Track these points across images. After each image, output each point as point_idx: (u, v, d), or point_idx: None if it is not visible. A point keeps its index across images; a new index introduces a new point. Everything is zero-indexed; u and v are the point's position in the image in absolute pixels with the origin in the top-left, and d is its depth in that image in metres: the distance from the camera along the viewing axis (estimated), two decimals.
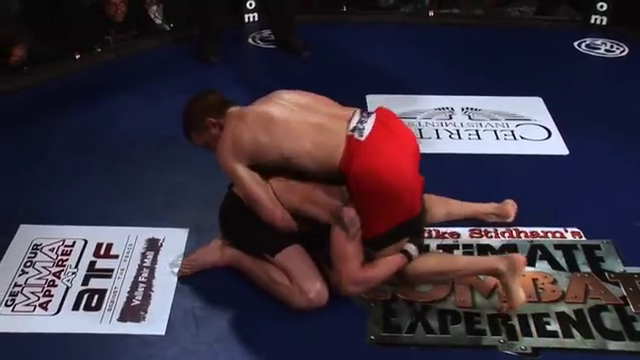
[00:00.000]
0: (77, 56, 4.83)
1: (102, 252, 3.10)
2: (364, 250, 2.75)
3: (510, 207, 3.24)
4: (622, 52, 5.05)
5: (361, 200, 2.67)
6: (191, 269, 2.97)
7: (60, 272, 2.98)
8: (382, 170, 2.61)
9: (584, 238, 3.17)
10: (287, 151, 2.71)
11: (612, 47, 5.10)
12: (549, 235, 3.19)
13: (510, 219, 3.24)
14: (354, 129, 2.66)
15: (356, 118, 2.71)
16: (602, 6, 5.29)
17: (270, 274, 2.82)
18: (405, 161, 2.70)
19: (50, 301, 2.83)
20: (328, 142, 2.67)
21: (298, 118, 2.75)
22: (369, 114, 2.74)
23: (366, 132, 2.65)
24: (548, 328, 2.71)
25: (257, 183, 2.80)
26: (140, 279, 2.96)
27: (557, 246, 3.12)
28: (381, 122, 2.71)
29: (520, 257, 2.79)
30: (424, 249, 2.90)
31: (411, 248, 2.76)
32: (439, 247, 3.12)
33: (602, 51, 5.07)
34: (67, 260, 3.05)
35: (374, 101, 4.10)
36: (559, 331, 2.70)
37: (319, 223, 2.79)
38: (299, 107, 2.79)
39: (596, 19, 5.34)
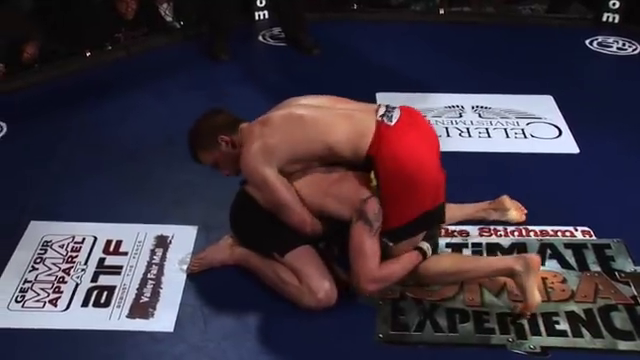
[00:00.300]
0: (88, 53, 4.84)
1: (111, 249, 3.11)
2: (381, 246, 2.74)
3: (505, 199, 3.22)
4: (634, 50, 5.03)
5: (387, 186, 2.68)
6: (199, 267, 2.97)
7: (70, 269, 2.99)
8: (411, 154, 2.66)
9: (594, 237, 3.15)
10: (330, 139, 2.71)
11: (624, 45, 5.08)
12: (559, 234, 3.17)
13: (511, 212, 3.21)
14: (383, 115, 2.72)
15: (383, 108, 2.77)
16: (614, 4, 5.27)
17: (279, 273, 2.82)
18: (430, 151, 2.76)
19: (59, 297, 2.84)
20: (359, 128, 2.71)
21: (325, 112, 2.79)
22: (394, 107, 2.79)
23: (394, 119, 2.71)
24: (557, 327, 2.70)
25: (287, 188, 2.77)
26: (149, 276, 2.97)
27: (567, 245, 3.10)
28: (407, 113, 2.77)
29: (535, 257, 2.79)
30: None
31: (425, 246, 2.77)
32: (448, 245, 3.11)
33: (614, 49, 5.05)
34: (77, 257, 3.06)
35: (384, 99, 4.05)
36: (568, 330, 2.69)
37: (335, 224, 2.79)
38: (319, 105, 2.84)
39: (608, 17, 5.32)
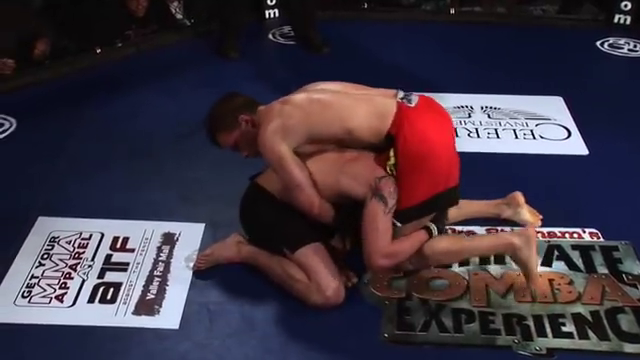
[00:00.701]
0: (98, 50, 4.86)
1: (118, 245, 3.12)
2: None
3: (518, 195, 3.23)
4: None
5: (404, 164, 2.71)
6: (206, 264, 2.98)
7: (76, 265, 3.00)
8: (431, 134, 2.72)
9: (602, 239, 3.14)
10: (350, 123, 2.74)
11: (635, 47, 5.05)
12: (566, 235, 3.16)
13: (524, 211, 3.21)
14: (403, 98, 2.76)
15: (402, 92, 2.81)
16: (626, 5, 5.25)
17: (287, 270, 2.82)
18: (448, 133, 2.82)
19: (66, 293, 2.85)
20: (379, 109, 2.75)
21: (344, 96, 2.82)
22: (411, 92, 2.83)
23: (414, 102, 2.76)
24: (563, 329, 2.69)
25: (301, 168, 2.78)
26: (155, 273, 2.97)
27: (574, 247, 3.09)
28: (424, 99, 2.82)
29: (531, 229, 2.89)
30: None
31: (432, 225, 2.80)
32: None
33: (625, 50, 5.02)
34: (84, 253, 3.07)
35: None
36: (574, 332, 2.68)
37: (343, 212, 2.80)
38: (339, 90, 2.87)
39: (619, 18, 5.30)
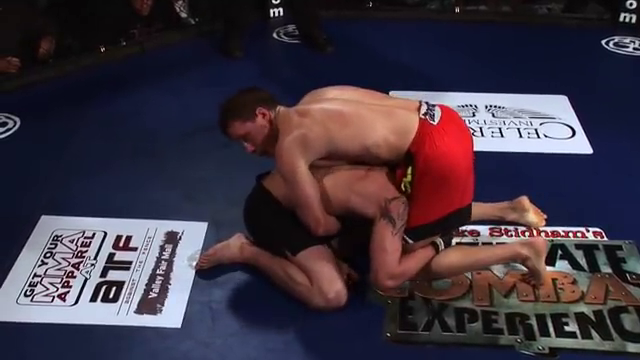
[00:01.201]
0: (102, 49, 4.86)
1: (121, 244, 3.12)
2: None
3: (525, 200, 3.20)
4: None
5: (422, 183, 2.68)
6: (208, 263, 2.98)
7: (79, 263, 3.01)
8: (452, 154, 2.68)
9: (606, 238, 3.12)
10: (368, 141, 2.71)
11: None
12: (570, 235, 3.15)
13: (529, 214, 3.19)
14: (425, 114, 2.72)
15: (425, 106, 2.77)
16: (631, 4, 5.22)
17: (289, 273, 2.81)
18: (468, 152, 2.78)
19: (68, 292, 2.86)
20: (401, 125, 2.71)
21: (365, 109, 2.76)
22: (434, 105, 2.80)
23: (437, 118, 2.72)
24: (566, 329, 2.68)
25: (313, 185, 2.74)
26: (158, 272, 2.97)
27: (578, 246, 3.08)
28: (446, 113, 2.78)
29: (540, 239, 2.89)
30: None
31: (438, 240, 2.79)
32: (458, 245, 3.09)
33: (630, 49, 5.00)
34: (86, 252, 3.07)
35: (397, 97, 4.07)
36: (577, 332, 2.67)
37: (347, 224, 2.80)
38: (358, 100, 2.81)
39: (625, 17, 5.27)
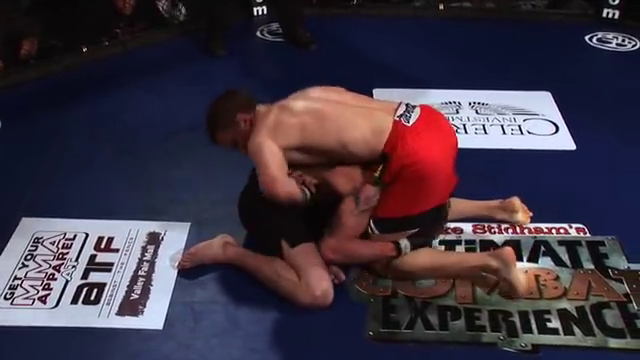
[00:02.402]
0: (84, 49, 4.83)
1: (103, 246, 3.10)
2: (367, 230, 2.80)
3: (515, 200, 3.20)
4: (634, 46, 4.99)
5: (395, 182, 2.72)
6: (190, 263, 2.96)
7: (60, 265, 2.98)
8: (426, 155, 2.70)
9: (588, 234, 3.13)
10: (345, 137, 2.74)
11: (624, 41, 5.04)
12: (553, 231, 3.15)
13: (518, 215, 3.18)
14: (401, 116, 2.76)
15: (403, 107, 2.80)
16: (614, 0, 5.22)
17: (277, 269, 2.81)
18: (446, 153, 2.79)
19: (49, 294, 2.83)
20: (377, 126, 2.75)
21: (345, 109, 2.81)
22: (414, 107, 2.83)
23: (412, 119, 2.75)
24: (549, 325, 2.68)
25: (279, 164, 2.76)
26: (140, 273, 2.96)
27: (561, 242, 3.08)
28: (426, 113, 2.80)
29: (507, 249, 2.82)
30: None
31: (404, 243, 2.78)
32: (441, 242, 3.09)
33: (613, 45, 5.01)
34: (67, 253, 3.05)
35: (381, 95, 4.08)
36: (560, 328, 2.67)
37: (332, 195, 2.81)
38: (340, 101, 2.85)
39: (608, 13, 5.28)
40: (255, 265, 2.88)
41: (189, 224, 3.23)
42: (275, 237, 2.84)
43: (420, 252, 2.86)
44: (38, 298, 2.82)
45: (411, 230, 2.79)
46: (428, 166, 2.71)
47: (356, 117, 2.77)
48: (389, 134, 2.71)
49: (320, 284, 2.74)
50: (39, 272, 2.95)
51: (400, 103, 2.83)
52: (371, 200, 2.76)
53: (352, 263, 2.88)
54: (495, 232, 3.16)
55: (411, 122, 2.74)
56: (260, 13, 5.52)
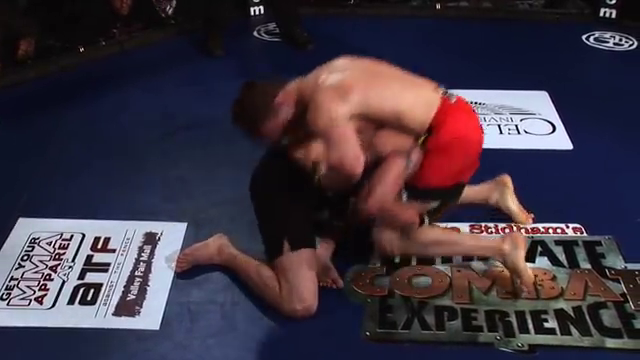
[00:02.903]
0: (81, 49, 4.83)
1: (99, 246, 3.10)
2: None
3: (506, 178, 3.24)
4: (631, 45, 4.99)
5: (437, 154, 2.74)
6: (186, 264, 2.95)
7: (57, 266, 2.98)
8: (469, 133, 2.80)
9: (585, 234, 3.13)
10: (402, 105, 2.71)
11: (621, 40, 5.05)
12: (550, 231, 3.15)
13: (509, 191, 3.21)
14: (444, 93, 2.81)
15: (442, 86, 2.86)
16: None
17: (262, 276, 2.79)
18: (481, 135, 2.87)
19: (46, 295, 2.83)
20: (426, 100, 2.76)
21: (394, 79, 2.80)
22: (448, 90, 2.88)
23: (454, 99, 2.81)
24: (546, 325, 2.68)
25: (352, 131, 2.62)
26: (136, 273, 2.95)
27: (557, 242, 3.08)
28: (461, 99, 2.86)
29: (518, 234, 2.91)
30: None
31: (425, 216, 2.81)
32: None
33: (611, 44, 5.02)
34: (64, 254, 3.05)
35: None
36: (557, 328, 2.67)
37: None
38: (385, 71, 2.83)
39: (605, 12, 5.29)
40: (244, 269, 2.87)
41: (186, 224, 3.22)
42: (278, 234, 2.79)
43: (435, 226, 2.91)
44: (35, 299, 2.81)
45: (436, 202, 2.80)
46: (471, 144, 2.79)
47: (406, 89, 2.78)
48: (437, 109, 2.72)
49: (303, 299, 2.70)
50: (36, 272, 2.94)
51: (439, 84, 2.88)
52: (415, 166, 2.75)
53: (381, 219, 2.80)
54: (492, 232, 3.16)
55: (453, 101, 2.79)
56: (257, 13, 5.51)
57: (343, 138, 2.61)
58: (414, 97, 2.75)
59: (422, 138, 2.74)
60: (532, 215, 3.22)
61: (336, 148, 2.61)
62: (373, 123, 2.72)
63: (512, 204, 3.20)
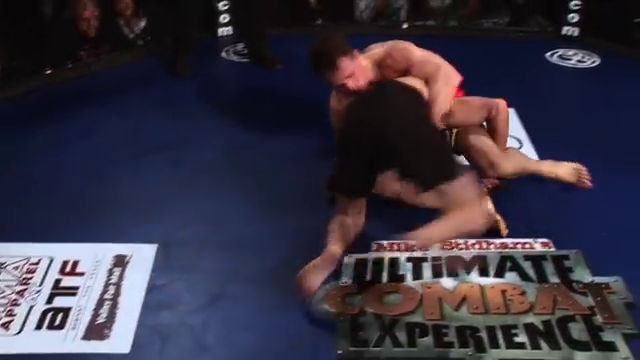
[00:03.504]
0: (48, 71, 4.80)
1: (68, 269, 3.07)
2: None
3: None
4: (593, 63, 5.08)
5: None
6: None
7: (24, 291, 2.94)
8: None
9: (553, 248, 3.16)
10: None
11: (584, 58, 5.13)
12: (519, 246, 3.18)
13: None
14: None
15: None
16: (573, 17, 5.33)
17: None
18: None
19: (12, 321, 2.79)
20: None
21: None
22: None
23: None
24: (516, 340, 2.69)
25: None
26: (106, 296, 2.92)
27: (526, 257, 3.11)
28: None
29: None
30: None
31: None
32: (409, 260, 3.10)
33: (574, 62, 5.10)
34: (32, 278, 3.01)
35: None
36: (527, 342, 2.68)
37: None
38: None
39: (568, 30, 5.38)
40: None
41: (156, 246, 3.20)
42: (449, 160, 3.05)
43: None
44: (1, 325, 2.77)
45: None
46: None
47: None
48: None
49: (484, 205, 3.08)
50: (2, 298, 2.90)
51: None
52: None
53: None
54: (462, 248, 3.18)
55: None
56: (225, 34, 5.53)
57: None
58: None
59: None
60: (507, 231, 3.26)
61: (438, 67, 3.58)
62: None
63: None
